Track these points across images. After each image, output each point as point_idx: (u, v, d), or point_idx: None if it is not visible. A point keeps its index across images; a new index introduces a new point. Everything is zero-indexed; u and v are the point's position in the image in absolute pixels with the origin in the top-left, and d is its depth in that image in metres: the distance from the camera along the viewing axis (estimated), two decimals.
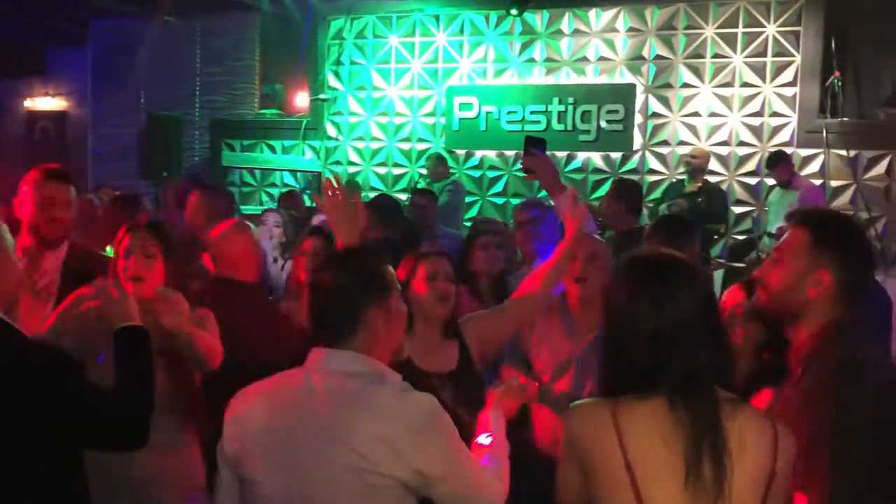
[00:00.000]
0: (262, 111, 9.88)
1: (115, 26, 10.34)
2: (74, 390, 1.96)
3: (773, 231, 6.87)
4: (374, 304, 1.90)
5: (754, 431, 1.67)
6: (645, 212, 6.82)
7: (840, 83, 7.58)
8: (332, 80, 9.57)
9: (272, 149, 9.86)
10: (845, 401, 1.80)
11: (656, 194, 7.98)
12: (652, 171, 8.31)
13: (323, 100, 9.48)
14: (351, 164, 9.52)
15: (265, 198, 9.70)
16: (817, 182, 7.56)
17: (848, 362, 1.87)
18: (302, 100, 9.63)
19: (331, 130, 9.58)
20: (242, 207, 8.70)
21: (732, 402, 1.70)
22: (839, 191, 7.63)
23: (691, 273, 1.78)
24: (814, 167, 7.73)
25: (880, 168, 7.52)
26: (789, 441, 1.70)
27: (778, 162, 7.23)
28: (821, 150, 7.68)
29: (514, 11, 8.28)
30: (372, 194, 9.17)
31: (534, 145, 3.03)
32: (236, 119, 10.03)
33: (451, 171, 8.57)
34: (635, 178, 7.68)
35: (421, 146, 9.22)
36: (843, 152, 7.56)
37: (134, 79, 10.37)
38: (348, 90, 9.52)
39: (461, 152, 9.03)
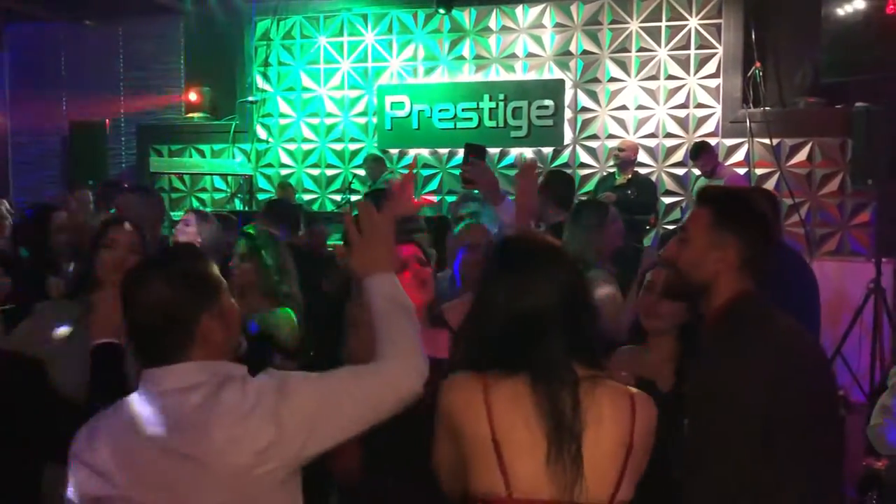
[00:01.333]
0: (190, 115, 9.70)
1: (32, 31, 10.04)
2: (38, 395, 1.97)
3: None
4: (206, 311, 1.73)
5: (611, 405, 1.72)
6: None
7: (761, 73, 7.79)
8: (260, 81, 9.44)
9: (201, 153, 9.67)
10: (750, 366, 1.90)
11: (588, 187, 8.07)
12: (583, 165, 8.40)
13: (251, 102, 9.34)
14: (283, 166, 9.40)
15: (196, 203, 9.52)
16: (742, 170, 7.74)
17: (754, 331, 1.95)
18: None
19: (261, 133, 9.44)
20: (173, 213, 8.53)
21: (592, 378, 1.73)
22: (764, 178, 7.81)
23: (555, 259, 1.80)
24: (739, 156, 7.91)
25: (802, 155, 7.73)
26: (648, 412, 1.76)
27: (701, 152, 7.34)
28: (745, 139, 7.87)
29: (441, 10, 8.31)
30: (307, 196, 9.17)
31: (473, 153, 3.00)
32: (163, 124, 9.81)
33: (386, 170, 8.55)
34: (567, 172, 7.74)
35: (354, 146, 9.16)
36: (767, 140, 7.75)
37: (55, 85, 10.09)
38: (277, 91, 9.40)
39: (395, 151, 9.00)
